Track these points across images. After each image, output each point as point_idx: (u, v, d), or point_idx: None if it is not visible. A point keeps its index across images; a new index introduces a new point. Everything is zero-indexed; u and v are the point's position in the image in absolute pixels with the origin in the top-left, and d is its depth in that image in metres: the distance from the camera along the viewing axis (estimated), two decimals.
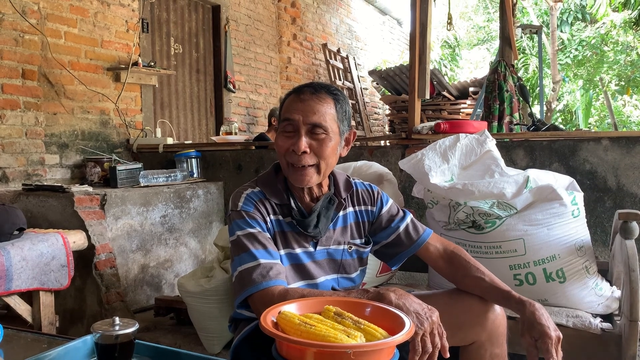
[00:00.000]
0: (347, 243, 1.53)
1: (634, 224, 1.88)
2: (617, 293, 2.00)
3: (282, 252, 1.45)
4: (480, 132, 2.26)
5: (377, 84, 7.68)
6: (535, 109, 8.72)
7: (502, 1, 4.81)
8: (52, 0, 3.55)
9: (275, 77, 6.30)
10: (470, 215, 2.06)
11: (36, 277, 2.30)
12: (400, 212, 1.60)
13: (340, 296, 1.27)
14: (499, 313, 1.44)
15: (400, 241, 1.56)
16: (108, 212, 2.90)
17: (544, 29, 9.14)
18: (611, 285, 2.06)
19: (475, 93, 6.38)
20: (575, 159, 2.76)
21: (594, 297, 1.97)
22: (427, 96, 3.32)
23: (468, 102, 6.46)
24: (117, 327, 1.08)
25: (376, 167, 2.53)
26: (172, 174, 3.47)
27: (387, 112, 7.56)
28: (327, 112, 1.42)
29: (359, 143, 3.70)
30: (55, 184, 3.09)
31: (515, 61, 5.35)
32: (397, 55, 9.73)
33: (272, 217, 1.46)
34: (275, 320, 1.10)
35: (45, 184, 3.20)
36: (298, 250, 1.47)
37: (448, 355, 1.20)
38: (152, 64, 4.18)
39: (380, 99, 8.12)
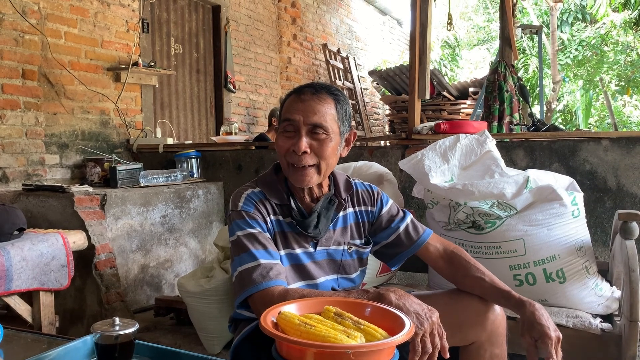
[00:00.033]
0: (347, 243, 1.53)
1: (634, 224, 1.88)
2: (617, 293, 2.00)
3: (282, 252, 1.45)
4: (480, 133, 2.26)
5: (377, 84, 7.68)
6: (535, 109, 8.72)
7: (502, 1, 4.81)
8: (52, 1, 3.55)
9: (275, 77, 6.30)
10: (470, 215, 2.06)
11: (36, 277, 2.30)
12: (400, 213, 1.60)
13: (340, 296, 1.27)
14: (499, 313, 1.44)
15: (400, 241, 1.56)
16: (108, 212, 2.90)
17: (544, 29, 9.15)
18: (611, 285, 2.06)
19: (475, 93, 6.38)
20: (575, 159, 2.76)
21: (594, 297, 1.97)
22: (427, 96, 3.32)
23: (468, 102, 6.46)
24: (117, 327, 1.08)
25: (376, 167, 2.53)
26: (172, 174, 3.48)
27: (387, 112, 7.56)
28: (328, 113, 1.42)
29: (359, 143, 3.70)
30: (55, 184, 3.09)
31: (515, 61, 5.36)
32: (397, 56, 9.73)
33: (272, 217, 1.46)
34: (275, 321, 1.10)
35: (45, 184, 3.20)
36: (298, 251, 1.47)
37: (448, 355, 1.20)
38: (152, 64, 4.19)
39: (380, 99, 8.12)
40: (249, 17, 5.79)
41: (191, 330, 2.31)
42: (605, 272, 2.18)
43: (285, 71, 6.41)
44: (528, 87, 7.60)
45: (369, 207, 1.58)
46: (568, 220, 2.00)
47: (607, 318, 1.94)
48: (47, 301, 2.39)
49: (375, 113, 8.56)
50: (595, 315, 1.92)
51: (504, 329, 1.46)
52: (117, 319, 1.10)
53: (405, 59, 9.21)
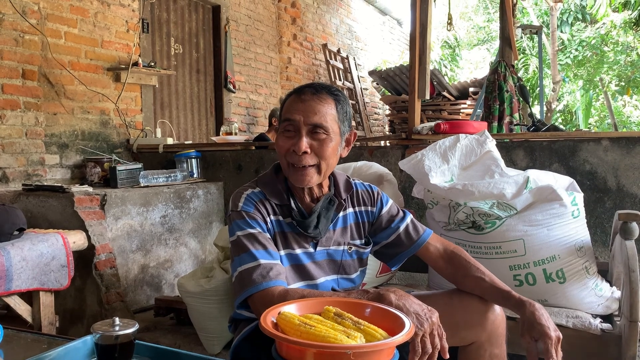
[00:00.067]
0: (347, 244, 1.53)
1: (634, 224, 1.88)
2: (617, 294, 2.00)
3: (282, 252, 1.45)
4: (480, 133, 2.26)
5: (377, 84, 7.68)
6: (535, 110, 8.72)
7: (502, 1, 4.81)
8: (52, 1, 3.55)
9: (275, 78, 6.30)
10: (470, 215, 2.06)
11: (36, 277, 2.30)
12: (400, 213, 1.60)
13: (340, 297, 1.27)
14: (498, 313, 1.44)
15: (400, 241, 1.56)
16: (108, 212, 2.90)
17: (544, 29, 9.14)
18: (611, 285, 2.06)
19: (475, 93, 6.38)
20: (575, 160, 2.76)
21: (594, 297, 1.97)
22: (427, 96, 3.32)
23: (468, 102, 6.46)
24: (117, 328, 1.08)
25: (376, 167, 2.53)
26: (172, 174, 3.48)
27: (387, 112, 7.56)
28: (328, 113, 1.42)
29: (359, 143, 3.70)
30: (56, 184, 3.09)
31: (516, 61, 5.36)
32: (397, 56, 9.73)
33: (272, 217, 1.46)
34: (275, 321, 1.10)
35: (45, 184, 3.20)
36: (298, 251, 1.47)
37: (447, 356, 1.20)
38: (152, 64, 4.19)
39: (380, 99, 8.12)
40: (249, 17, 5.79)
41: (191, 330, 2.31)
42: (605, 273, 2.18)
43: (285, 71, 6.41)
44: (528, 87, 7.60)
45: (369, 207, 1.58)
46: (568, 221, 2.00)
47: (607, 318, 1.94)
48: (47, 301, 2.40)
49: (375, 113, 8.56)
50: (595, 316, 1.92)
51: (504, 329, 1.46)
52: (117, 319, 1.10)
53: (405, 59, 9.21)
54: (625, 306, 1.78)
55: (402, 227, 1.56)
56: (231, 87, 5.37)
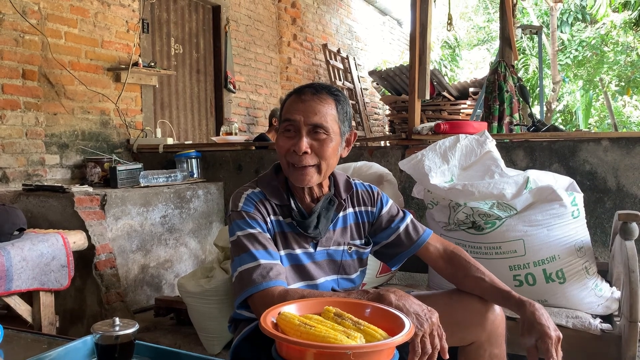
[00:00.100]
0: (347, 244, 1.53)
1: (634, 224, 1.88)
2: (617, 294, 2.00)
3: (282, 252, 1.45)
4: (480, 133, 2.26)
5: (377, 84, 7.68)
6: (535, 110, 8.72)
7: (502, 2, 4.81)
8: (52, 1, 3.55)
9: (275, 78, 6.30)
10: (470, 215, 2.06)
11: (36, 278, 2.30)
12: (400, 213, 1.60)
13: (340, 297, 1.27)
14: (498, 313, 1.44)
15: (400, 241, 1.56)
16: (108, 213, 2.91)
17: (544, 29, 9.14)
18: (611, 286, 2.06)
19: (475, 93, 6.39)
20: (575, 160, 2.76)
21: (594, 297, 1.98)
22: (427, 96, 3.33)
23: (468, 102, 6.46)
24: (117, 328, 1.08)
25: (376, 167, 2.53)
26: (172, 174, 3.48)
27: (387, 112, 7.56)
28: (328, 113, 1.42)
29: (359, 143, 3.70)
30: (56, 184, 3.09)
31: (515, 62, 5.36)
32: (397, 56, 9.73)
33: (272, 217, 1.46)
34: (275, 321, 1.10)
35: (45, 184, 3.20)
36: (298, 251, 1.47)
37: (447, 356, 1.20)
38: (153, 64, 4.19)
39: (380, 99, 8.12)
40: (249, 18, 5.79)
41: (191, 330, 2.31)
42: (605, 273, 2.19)
43: (285, 71, 6.41)
44: (528, 88, 7.60)
45: (369, 208, 1.58)
46: (568, 221, 2.01)
47: (606, 318, 1.94)
48: (47, 301, 2.40)
49: (375, 113, 8.56)
50: (595, 316, 1.92)
51: (504, 329, 1.46)
52: (117, 319, 1.10)
53: (405, 59, 9.21)
54: (625, 306, 1.78)
55: (402, 227, 1.56)
56: (231, 87, 5.37)
